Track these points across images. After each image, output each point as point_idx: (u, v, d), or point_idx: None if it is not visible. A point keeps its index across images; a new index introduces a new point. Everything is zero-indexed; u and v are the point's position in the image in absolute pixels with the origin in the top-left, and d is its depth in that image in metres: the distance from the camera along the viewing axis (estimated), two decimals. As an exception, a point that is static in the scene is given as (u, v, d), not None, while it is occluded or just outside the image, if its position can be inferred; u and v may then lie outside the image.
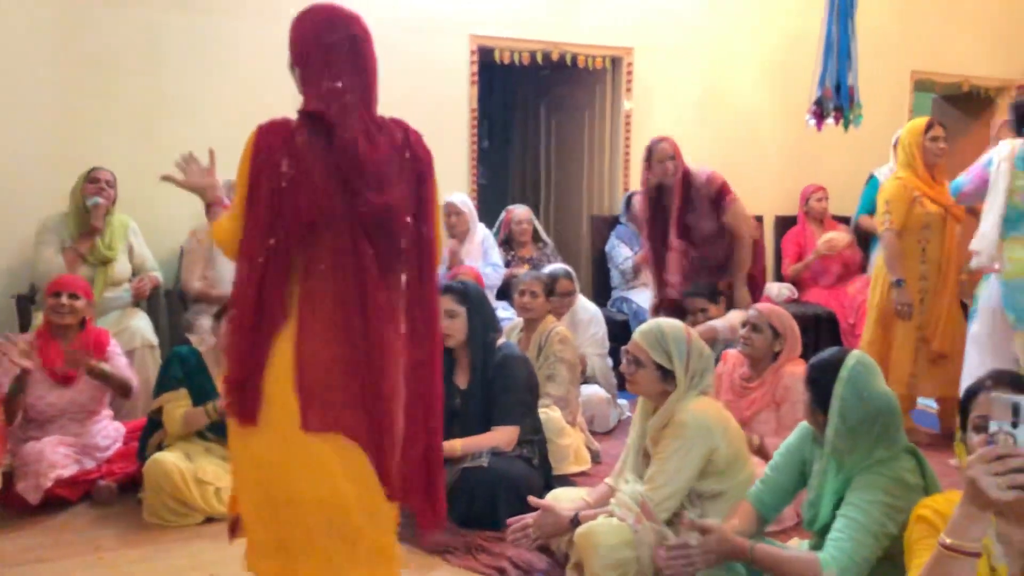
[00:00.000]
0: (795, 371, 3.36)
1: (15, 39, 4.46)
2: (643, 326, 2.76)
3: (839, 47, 3.37)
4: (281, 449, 2.00)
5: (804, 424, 2.44)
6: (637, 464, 2.74)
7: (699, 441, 2.54)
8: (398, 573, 2.18)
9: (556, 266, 4.68)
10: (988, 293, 3.73)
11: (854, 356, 2.27)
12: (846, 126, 3.50)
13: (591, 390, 4.46)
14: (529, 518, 2.76)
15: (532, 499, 2.78)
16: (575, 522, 2.65)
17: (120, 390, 3.67)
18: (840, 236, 5.80)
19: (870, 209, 5.26)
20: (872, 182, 5.70)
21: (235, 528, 2.21)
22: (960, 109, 7.25)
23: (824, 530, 2.24)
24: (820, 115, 3.47)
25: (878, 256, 4.43)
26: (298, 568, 2.05)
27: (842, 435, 2.21)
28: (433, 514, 2.17)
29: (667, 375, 2.65)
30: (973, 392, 1.86)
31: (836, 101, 3.40)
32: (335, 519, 2.02)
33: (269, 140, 1.98)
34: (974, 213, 4.13)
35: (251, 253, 1.98)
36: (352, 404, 2.01)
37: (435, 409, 2.17)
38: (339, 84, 2.01)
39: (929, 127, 4.28)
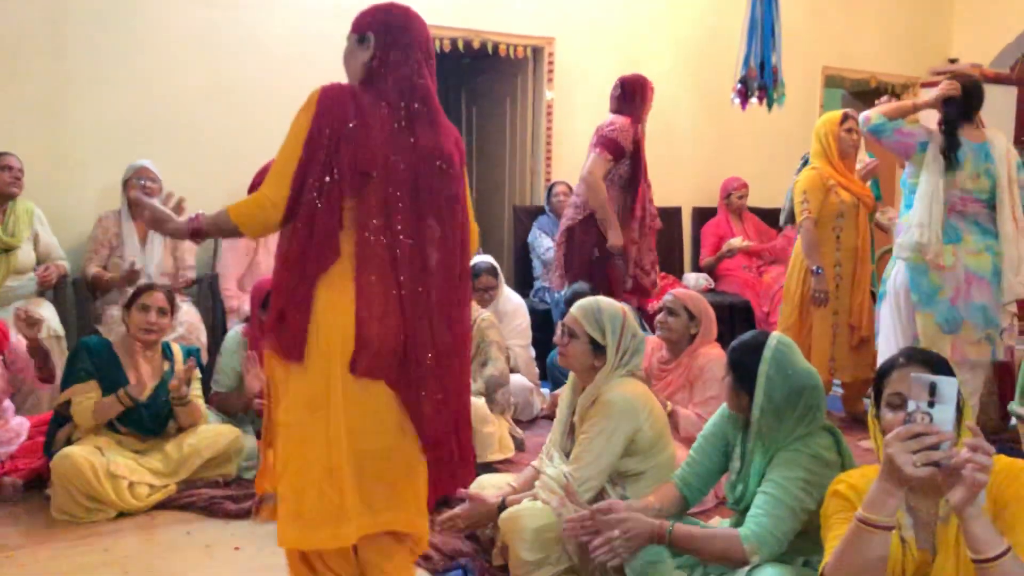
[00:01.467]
0: (710, 352, 3.46)
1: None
2: (582, 300, 2.81)
3: (763, 27, 3.41)
4: (328, 390, 2.07)
5: (724, 407, 2.49)
6: (563, 441, 2.77)
7: (624, 421, 2.57)
8: (426, 528, 2.28)
9: (479, 260, 4.65)
10: (894, 276, 3.87)
11: (775, 337, 2.33)
12: (770, 105, 3.56)
13: (515, 379, 4.46)
14: (457, 509, 2.75)
15: (460, 490, 2.77)
16: (502, 508, 2.65)
17: (46, 373, 3.56)
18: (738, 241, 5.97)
19: None
20: None
21: (261, 507, 2.23)
22: (868, 105, 7.44)
23: (748, 508, 2.29)
24: (744, 94, 3.51)
25: (795, 245, 4.55)
26: (351, 527, 2.10)
27: (768, 414, 2.26)
28: (465, 469, 2.29)
29: (598, 350, 2.69)
30: (887, 369, 1.90)
31: (760, 80, 3.45)
32: (386, 465, 2.15)
33: (333, 94, 2.10)
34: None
35: (307, 194, 2.06)
36: (397, 355, 2.12)
37: (467, 366, 2.30)
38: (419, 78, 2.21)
39: (844, 119, 4.43)
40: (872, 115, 3.77)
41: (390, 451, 2.16)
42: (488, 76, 6.56)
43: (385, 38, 2.20)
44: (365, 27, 2.23)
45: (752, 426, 2.29)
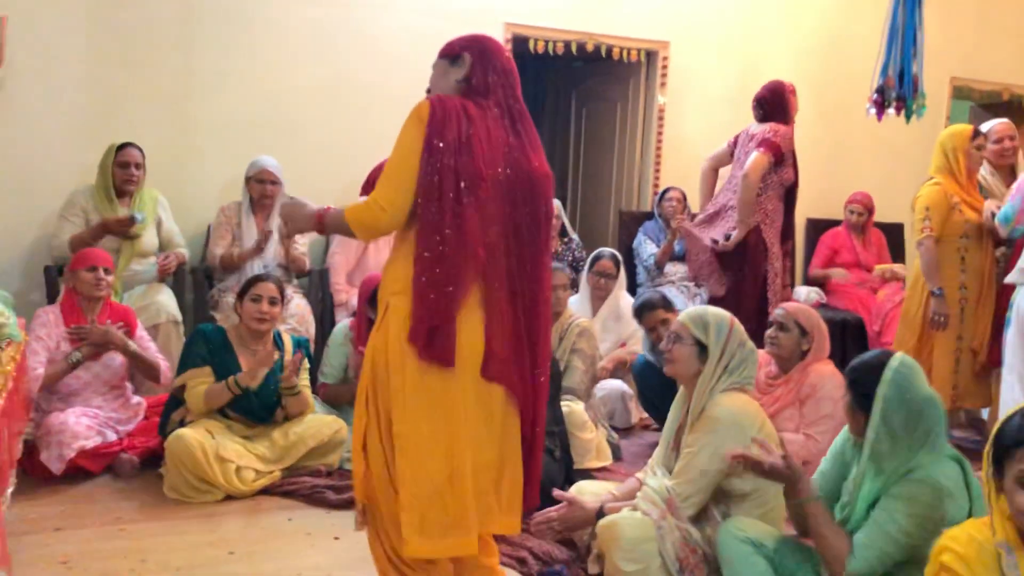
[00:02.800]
0: (822, 369, 3.33)
1: (51, 10, 4.46)
2: (691, 307, 2.85)
3: (904, 33, 3.25)
4: (463, 396, 2.16)
5: (845, 430, 2.39)
6: (667, 456, 2.71)
7: (730, 438, 2.48)
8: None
9: (604, 248, 4.74)
10: (1019, 302, 3.66)
11: (897, 358, 2.22)
12: (908, 117, 3.39)
13: (612, 384, 4.43)
14: (553, 511, 2.73)
15: (557, 492, 2.75)
16: (600, 515, 2.62)
17: (148, 372, 3.68)
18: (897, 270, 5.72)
19: None
20: None
21: (364, 517, 2.28)
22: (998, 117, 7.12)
23: (854, 531, 2.20)
24: (881, 104, 3.36)
25: (915, 264, 4.35)
26: (474, 535, 2.18)
27: (883, 438, 2.16)
28: (531, 489, 2.32)
29: (703, 354, 2.65)
30: (1015, 442, 1.68)
31: (899, 90, 3.29)
32: (497, 473, 2.24)
33: (445, 105, 2.16)
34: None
35: (433, 208, 2.12)
36: (516, 362, 2.22)
37: (547, 380, 2.35)
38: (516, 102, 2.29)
39: (975, 135, 4.23)
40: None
41: (503, 459, 2.24)
42: (599, 79, 6.52)
43: (481, 59, 2.27)
44: (458, 49, 2.30)
45: (866, 448, 2.20)
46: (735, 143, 4.93)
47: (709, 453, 2.50)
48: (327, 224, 2.27)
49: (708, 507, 2.53)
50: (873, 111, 3.57)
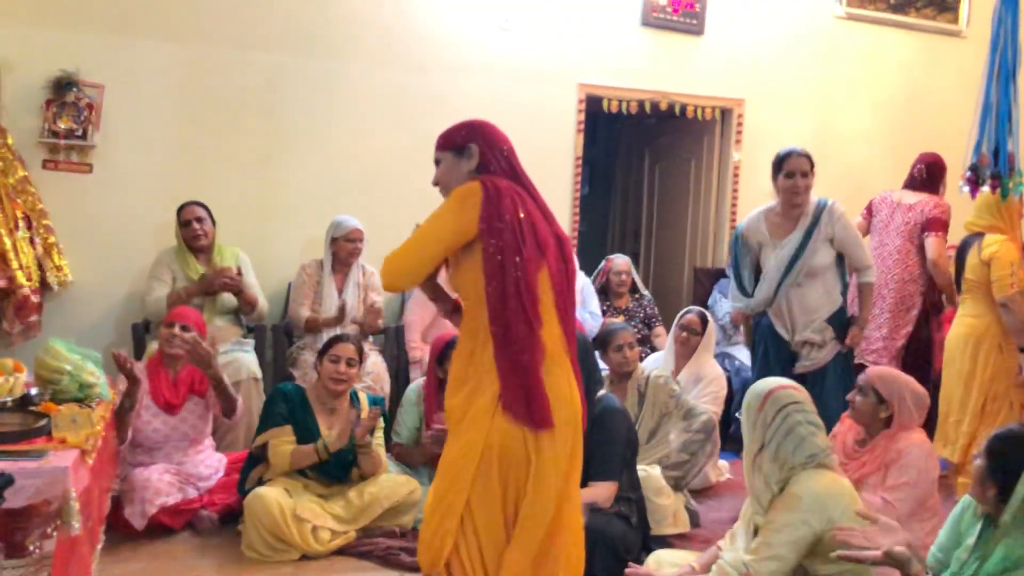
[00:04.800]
0: (911, 437, 3.20)
1: (142, 76, 4.67)
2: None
3: (999, 110, 3.18)
4: (573, 452, 2.36)
5: (967, 497, 2.31)
6: (747, 537, 2.61)
7: (812, 518, 2.39)
8: None
9: (694, 306, 4.78)
10: None
11: None
12: (1004, 195, 3.31)
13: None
14: None
15: (632, 570, 2.69)
16: None
17: (227, 403, 3.74)
18: None
19: None
20: None
21: None
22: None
23: None
24: (975, 182, 3.28)
25: (971, 323, 4.19)
26: None
27: (1021, 521, 2.07)
28: None
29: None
30: None
31: (994, 169, 3.21)
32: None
33: (496, 185, 2.32)
34: None
35: (512, 274, 2.27)
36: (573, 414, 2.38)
37: None
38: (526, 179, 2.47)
39: None
40: None
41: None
42: (673, 136, 6.52)
43: (488, 146, 2.41)
44: (462, 141, 2.42)
45: (1000, 528, 2.10)
46: (870, 212, 5.00)
47: (791, 531, 2.40)
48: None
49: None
50: (967, 189, 3.48)
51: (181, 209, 4.42)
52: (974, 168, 3.25)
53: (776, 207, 4.06)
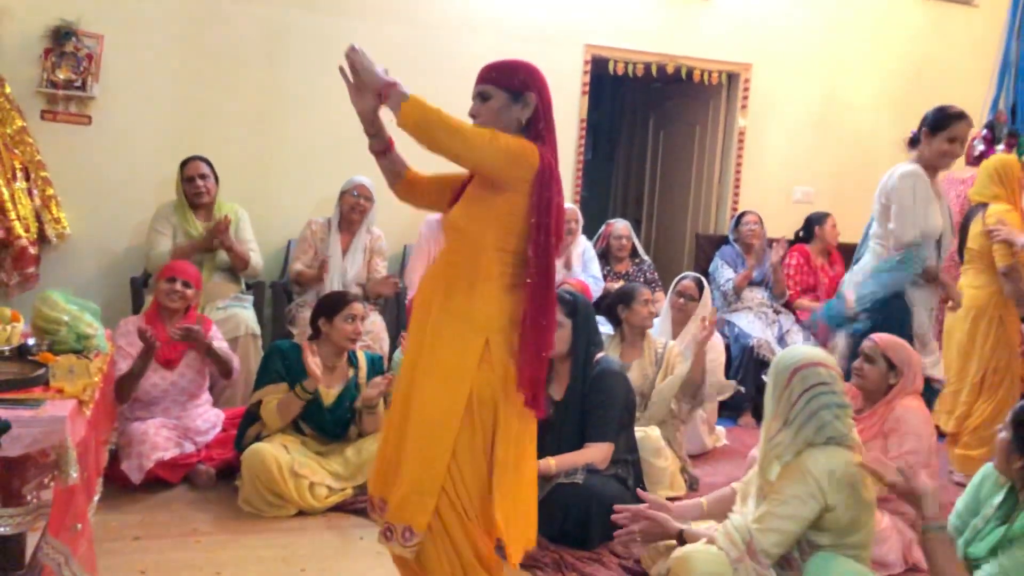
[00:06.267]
0: (909, 403, 3.19)
1: (144, 30, 4.62)
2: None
3: (1018, 67, 3.11)
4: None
5: (988, 466, 2.30)
6: (756, 500, 2.59)
7: (819, 495, 2.37)
8: None
9: (691, 272, 4.75)
10: None
11: None
12: (1020, 153, 3.23)
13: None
14: (636, 526, 2.65)
15: (641, 493, 2.76)
16: (680, 537, 2.56)
17: (222, 367, 3.74)
18: None
19: None
20: None
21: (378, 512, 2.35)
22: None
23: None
24: (991, 140, 3.22)
25: (975, 294, 4.15)
26: None
27: None
28: None
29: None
30: None
31: (1011, 126, 3.14)
32: None
33: (552, 168, 2.21)
34: None
35: (551, 253, 2.21)
36: None
37: None
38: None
39: None
40: None
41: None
42: (678, 101, 6.46)
43: (543, 102, 2.25)
44: (521, 85, 2.24)
45: None
46: None
47: (797, 505, 2.38)
48: (392, 96, 2.10)
49: (791, 554, 2.43)
50: (982, 147, 3.41)
51: (185, 164, 4.38)
52: (990, 126, 3.20)
53: (917, 169, 3.58)
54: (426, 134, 2.09)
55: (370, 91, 2.15)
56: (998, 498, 2.22)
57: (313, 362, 3.42)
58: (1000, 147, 3.25)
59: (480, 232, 2.21)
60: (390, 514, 2.23)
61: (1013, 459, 2.16)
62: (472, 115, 2.27)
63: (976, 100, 3.49)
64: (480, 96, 2.26)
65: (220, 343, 3.83)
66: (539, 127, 2.24)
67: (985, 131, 3.24)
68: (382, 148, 2.33)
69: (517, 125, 2.24)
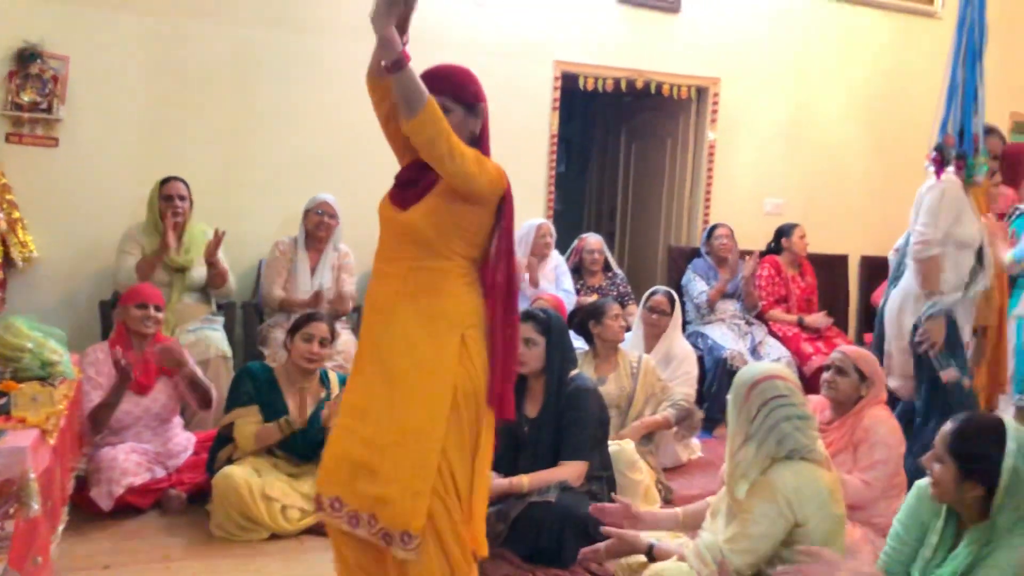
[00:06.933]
0: (877, 413, 3.22)
1: (111, 51, 4.58)
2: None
3: (964, 91, 3.17)
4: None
5: (920, 484, 2.29)
6: (725, 518, 2.59)
7: (787, 511, 2.35)
8: None
9: (660, 286, 4.77)
10: None
11: (1010, 424, 2.10)
12: (968, 177, 3.29)
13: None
14: (602, 545, 2.64)
15: (608, 529, 2.68)
16: (651, 555, 2.55)
17: (202, 398, 3.71)
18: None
19: None
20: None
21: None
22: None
23: None
24: (940, 163, 3.27)
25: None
26: None
27: (1008, 511, 2.04)
28: None
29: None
30: None
31: (959, 149, 3.20)
32: None
33: (511, 193, 2.27)
34: None
35: (514, 268, 2.29)
36: None
37: None
38: None
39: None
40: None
41: None
42: (649, 114, 6.50)
43: (486, 114, 2.28)
44: (474, 97, 2.25)
45: (989, 522, 2.07)
46: None
47: (767, 523, 2.36)
48: (406, 72, 2.04)
49: (762, 571, 2.43)
50: (932, 169, 3.46)
51: (164, 183, 4.36)
52: (939, 148, 3.25)
53: (951, 177, 3.65)
54: (432, 144, 2.09)
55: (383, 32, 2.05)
56: (939, 522, 2.21)
57: (299, 403, 3.46)
58: (950, 169, 3.30)
59: (447, 243, 2.21)
60: (385, 520, 2.17)
61: (966, 488, 2.11)
62: None
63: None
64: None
65: (194, 367, 3.81)
66: (486, 137, 2.27)
67: (934, 153, 3.29)
68: (402, 59, 2.09)
69: (471, 137, 2.23)
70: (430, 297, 2.21)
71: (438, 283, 2.22)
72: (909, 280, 3.77)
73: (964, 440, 2.13)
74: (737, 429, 2.47)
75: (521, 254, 5.05)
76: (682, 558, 2.47)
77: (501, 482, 3.12)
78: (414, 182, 2.25)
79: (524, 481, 3.16)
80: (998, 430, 2.09)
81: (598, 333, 4.12)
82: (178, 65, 4.71)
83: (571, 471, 3.24)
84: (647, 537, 2.61)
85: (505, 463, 3.26)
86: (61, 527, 2.81)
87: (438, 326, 2.20)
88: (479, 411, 2.25)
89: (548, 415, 3.33)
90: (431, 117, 2.06)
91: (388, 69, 2.06)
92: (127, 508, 3.41)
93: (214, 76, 4.79)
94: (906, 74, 6.26)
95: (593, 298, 5.08)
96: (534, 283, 5.03)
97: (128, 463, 3.40)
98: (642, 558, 2.61)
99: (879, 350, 3.85)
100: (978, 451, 2.09)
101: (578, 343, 4.43)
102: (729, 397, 2.53)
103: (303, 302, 4.41)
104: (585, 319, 4.19)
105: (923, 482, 2.26)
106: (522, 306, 4.64)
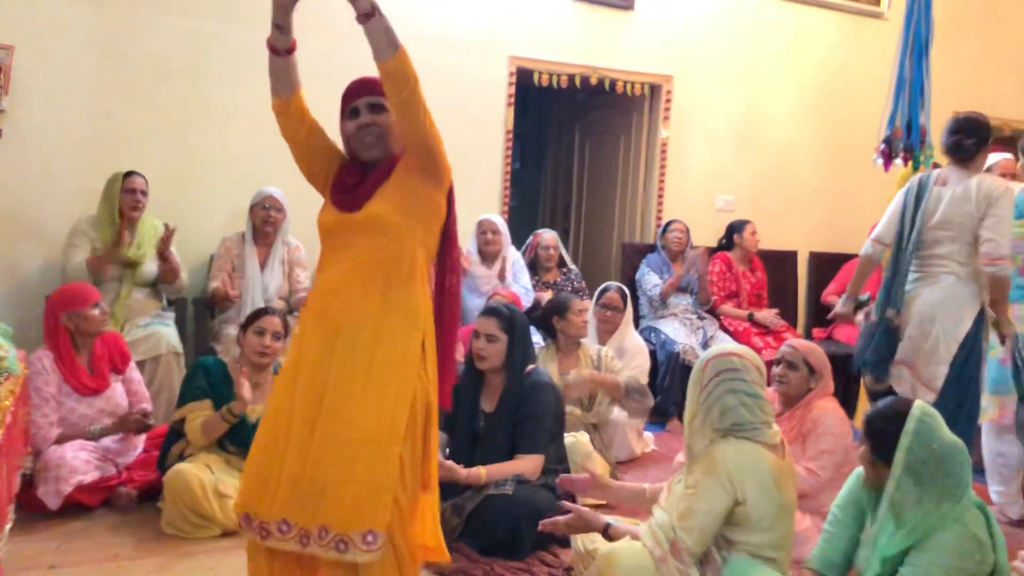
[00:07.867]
0: (824, 405, 3.31)
1: (58, 41, 4.48)
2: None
3: (912, 85, 3.26)
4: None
5: (858, 471, 2.35)
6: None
7: (728, 486, 2.39)
8: None
9: (612, 282, 4.81)
10: None
11: (919, 407, 2.18)
12: (915, 167, 3.39)
13: (615, 415, 4.39)
14: (561, 519, 2.65)
15: (566, 504, 2.69)
16: (607, 533, 2.58)
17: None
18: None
19: None
20: None
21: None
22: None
23: None
24: (888, 155, 3.36)
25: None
26: None
27: (907, 489, 2.12)
28: None
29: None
30: None
31: (906, 141, 3.29)
32: None
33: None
34: None
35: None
36: None
37: None
38: None
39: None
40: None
41: None
42: (603, 112, 6.54)
43: None
44: None
45: (885, 498, 2.15)
46: None
47: (710, 498, 2.40)
48: (380, 16, 2.11)
49: (711, 550, 2.47)
50: (880, 161, 3.55)
51: (128, 176, 4.28)
52: (888, 141, 3.34)
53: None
54: (403, 87, 2.11)
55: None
56: (874, 509, 2.28)
57: (245, 387, 3.37)
58: (897, 161, 3.39)
59: (410, 228, 2.19)
60: (341, 525, 2.09)
61: (878, 469, 2.20)
62: (364, 124, 2.25)
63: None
64: (371, 108, 2.25)
65: (136, 376, 3.82)
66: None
67: (883, 146, 3.38)
68: (287, 47, 2.24)
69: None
70: (401, 290, 2.17)
71: (410, 275, 2.18)
72: (955, 286, 3.57)
73: (873, 421, 2.24)
74: (691, 399, 2.53)
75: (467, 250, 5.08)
76: (636, 537, 2.50)
77: (459, 472, 3.13)
78: (357, 184, 2.24)
79: (482, 472, 3.17)
80: (904, 412, 2.16)
81: (562, 328, 4.15)
82: (128, 57, 4.62)
83: (528, 464, 3.26)
84: (604, 517, 2.65)
85: (462, 457, 3.27)
86: (8, 527, 2.74)
87: (406, 324, 2.18)
88: (429, 416, 2.24)
89: (505, 409, 3.34)
90: (407, 58, 2.11)
91: (362, 20, 2.09)
92: (76, 506, 3.35)
93: (165, 68, 4.70)
94: (854, 74, 6.39)
95: (548, 294, 5.11)
96: (500, 277, 5.08)
97: (76, 461, 3.33)
98: (598, 544, 2.65)
99: (887, 352, 3.72)
100: (881, 430, 2.20)
101: (535, 338, 4.46)
102: (691, 376, 2.58)
103: (235, 298, 4.38)
104: (548, 314, 4.21)
105: (860, 469, 2.34)
106: (479, 302, 4.67)
